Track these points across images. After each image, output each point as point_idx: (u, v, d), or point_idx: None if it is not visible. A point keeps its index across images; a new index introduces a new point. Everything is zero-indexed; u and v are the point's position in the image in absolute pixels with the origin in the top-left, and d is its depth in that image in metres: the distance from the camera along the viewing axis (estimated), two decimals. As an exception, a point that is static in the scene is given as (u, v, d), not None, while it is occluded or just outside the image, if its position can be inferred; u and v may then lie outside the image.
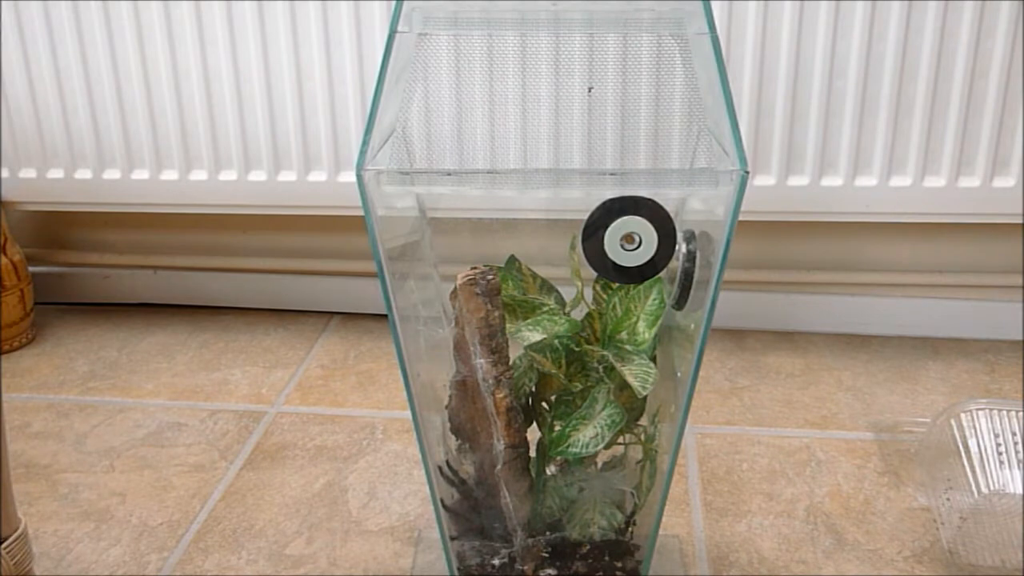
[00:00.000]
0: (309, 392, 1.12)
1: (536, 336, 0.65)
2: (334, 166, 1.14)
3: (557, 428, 0.67)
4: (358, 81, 1.10)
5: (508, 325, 0.65)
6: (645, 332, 0.65)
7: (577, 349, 0.67)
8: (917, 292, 1.20)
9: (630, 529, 0.72)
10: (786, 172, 1.09)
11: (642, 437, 0.70)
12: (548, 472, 0.71)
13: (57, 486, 0.95)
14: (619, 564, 0.72)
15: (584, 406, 0.66)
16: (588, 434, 0.65)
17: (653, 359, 0.67)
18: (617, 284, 0.66)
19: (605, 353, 0.65)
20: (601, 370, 0.66)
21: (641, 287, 0.66)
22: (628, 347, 0.66)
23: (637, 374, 0.63)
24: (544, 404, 0.70)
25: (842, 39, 1.03)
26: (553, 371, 0.67)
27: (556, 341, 0.67)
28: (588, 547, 0.72)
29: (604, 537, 0.71)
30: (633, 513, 0.72)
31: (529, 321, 0.66)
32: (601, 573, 0.72)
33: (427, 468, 0.69)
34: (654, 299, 0.66)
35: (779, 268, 1.21)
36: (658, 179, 0.58)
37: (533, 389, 0.69)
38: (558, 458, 0.70)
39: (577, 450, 0.65)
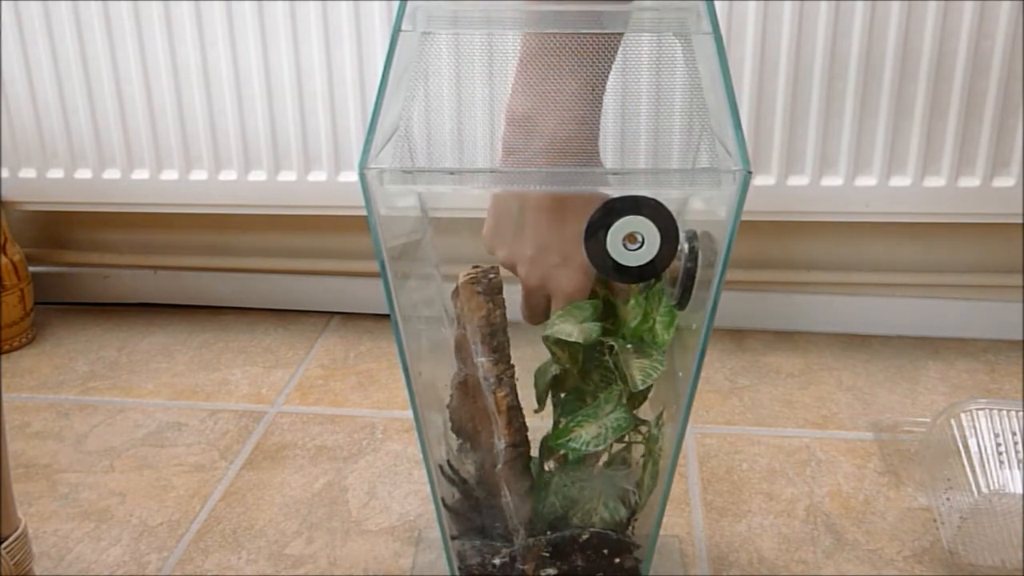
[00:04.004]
0: (309, 392, 1.12)
1: (569, 327, 0.64)
2: (334, 166, 1.14)
3: (562, 422, 0.67)
4: (358, 81, 1.10)
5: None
6: (664, 334, 0.65)
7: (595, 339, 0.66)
8: (917, 292, 1.20)
9: (631, 527, 0.72)
10: (786, 172, 1.09)
11: (646, 437, 0.70)
12: (548, 468, 0.71)
13: (57, 486, 0.95)
14: (618, 562, 0.72)
15: (593, 404, 0.66)
16: (591, 432, 0.65)
17: None
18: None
19: (613, 343, 0.65)
20: (612, 364, 0.66)
21: (655, 290, 0.66)
22: (647, 345, 0.65)
23: (644, 367, 0.63)
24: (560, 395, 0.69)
25: (842, 39, 1.03)
26: (567, 366, 0.67)
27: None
28: (588, 540, 0.72)
29: (605, 527, 0.71)
30: (634, 512, 0.72)
31: (559, 314, 0.66)
32: (601, 574, 0.72)
33: (428, 467, 0.69)
34: (667, 301, 0.66)
35: (779, 268, 1.21)
36: (660, 179, 0.58)
37: (555, 374, 0.69)
38: (558, 453, 0.70)
39: (577, 446, 0.65)
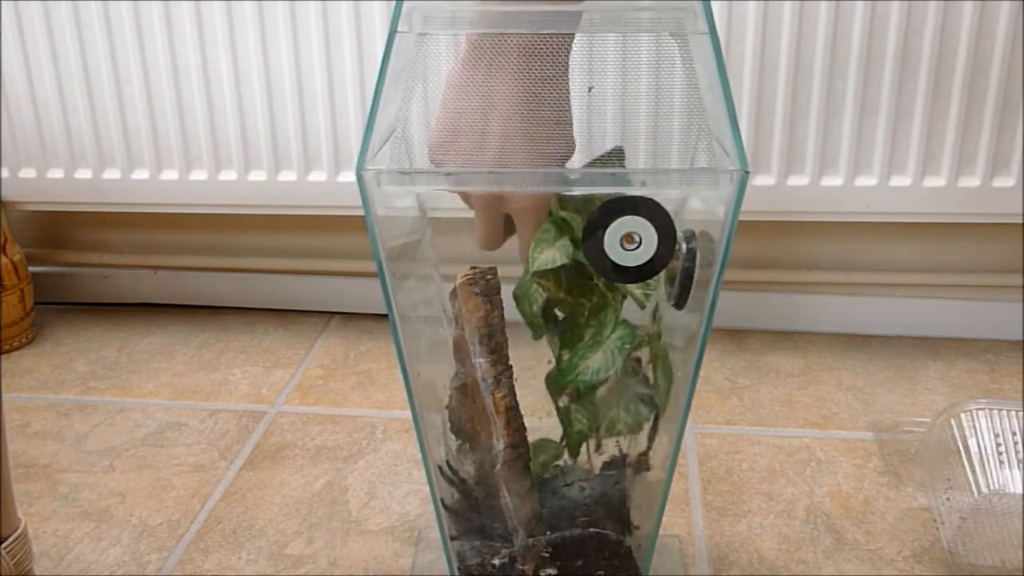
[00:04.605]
0: (309, 392, 1.12)
1: (549, 254, 0.63)
2: (334, 166, 1.14)
3: (565, 357, 0.66)
4: (358, 81, 1.10)
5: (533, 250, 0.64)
6: None
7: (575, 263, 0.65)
8: (917, 292, 1.20)
9: (654, 437, 0.71)
10: (786, 172, 1.09)
11: (647, 339, 0.68)
12: (560, 405, 0.70)
13: (57, 486, 0.95)
14: (618, 562, 0.72)
15: (592, 333, 0.66)
16: (597, 361, 0.65)
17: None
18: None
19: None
20: (602, 284, 0.65)
21: None
22: None
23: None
24: (554, 319, 0.68)
25: (842, 39, 1.03)
26: (561, 295, 0.65)
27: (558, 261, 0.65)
28: (588, 540, 0.71)
29: (631, 432, 0.70)
30: (657, 414, 0.71)
31: (533, 246, 0.65)
32: (602, 573, 0.72)
33: (427, 468, 0.69)
34: None
35: (779, 268, 1.21)
36: (658, 179, 0.58)
37: (541, 304, 0.68)
38: (569, 389, 0.69)
39: (587, 378, 0.65)
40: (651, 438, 0.71)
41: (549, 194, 0.63)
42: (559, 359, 0.68)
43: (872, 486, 0.93)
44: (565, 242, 0.64)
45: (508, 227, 0.67)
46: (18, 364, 1.19)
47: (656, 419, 0.71)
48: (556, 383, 0.69)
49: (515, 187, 0.63)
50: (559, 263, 0.63)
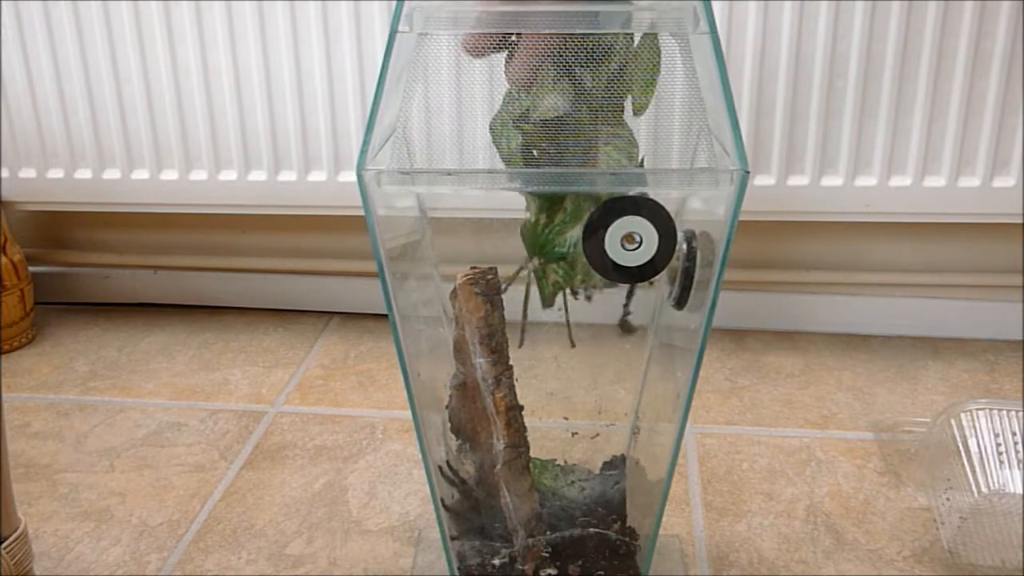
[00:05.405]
0: (309, 392, 1.12)
1: (550, 100, 0.60)
2: (334, 166, 1.14)
3: (543, 222, 0.66)
4: (358, 81, 1.10)
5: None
6: (643, 96, 0.61)
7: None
8: (917, 292, 1.20)
9: (631, 296, 0.70)
10: (786, 172, 1.09)
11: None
12: (532, 266, 0.69)
13: (57, 486, 0.95)
14: (618, 562, 0.72)
15: (570, 208, 0.65)
16: (576, 235, 0.64)
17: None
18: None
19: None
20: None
21: (637, 48, 0.61)
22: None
23: (621, 147, 0.61)
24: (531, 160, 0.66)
25: (842, 39, 1.03)
26: (543, 145, 0.63)
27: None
28: (588, 540, 0.71)
29: (606, 287, 0.69)
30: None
31: (534, 92, 0.62)
32: (601, 573, 0.72)
33: (427, 468, 0.69)
34: (649, 56, 0.61)
35: (779, 268, 1.21)
36: (658, 179, 0.58)
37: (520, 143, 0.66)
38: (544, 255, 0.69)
39: (564, 251, 0.65)
40: (629, 295, 0.70)
41: (561, 35, 0.59)
42: (536, 221, 0.66)
43: (872, 486, 0.93)
44: (566, 86, 0.61)
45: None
46: (18, 364, 1.19)
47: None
48: (532, 244, 0.67)
49: (516, 187, 0.63)
50: (559, 112, 0.60)
